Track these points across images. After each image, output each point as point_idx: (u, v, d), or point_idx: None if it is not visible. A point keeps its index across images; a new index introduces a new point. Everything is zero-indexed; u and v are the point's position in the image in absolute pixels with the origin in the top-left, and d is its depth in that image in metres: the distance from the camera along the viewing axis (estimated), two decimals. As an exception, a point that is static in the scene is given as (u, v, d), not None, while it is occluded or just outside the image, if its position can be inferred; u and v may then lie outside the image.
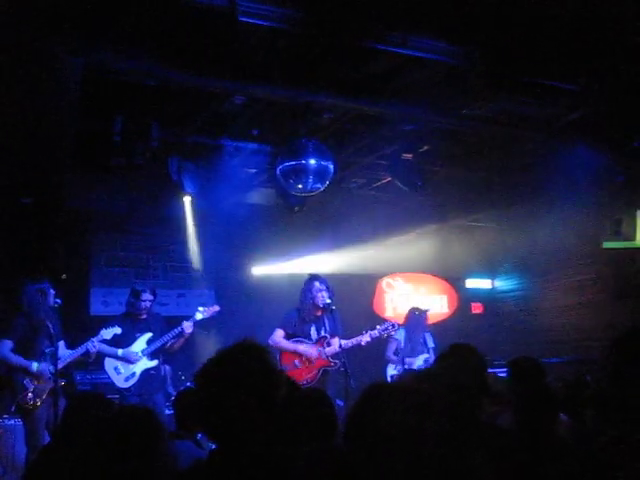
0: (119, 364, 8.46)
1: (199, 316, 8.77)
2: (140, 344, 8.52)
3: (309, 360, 8.48)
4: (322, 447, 4.06)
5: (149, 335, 8.57)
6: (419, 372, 8.67)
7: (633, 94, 7.56)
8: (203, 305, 9.17)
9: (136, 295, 8.60)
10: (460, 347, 3.97)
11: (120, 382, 8.43)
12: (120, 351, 8.43)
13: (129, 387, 8.40)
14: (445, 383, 3.69)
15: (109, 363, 8.50)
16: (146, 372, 8.50)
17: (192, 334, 8.71)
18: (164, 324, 8.79)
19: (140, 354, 8.47)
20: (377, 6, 6.14)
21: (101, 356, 8.50)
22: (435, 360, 3.99)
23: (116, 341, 8.44)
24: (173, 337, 8.54)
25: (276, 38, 6.38)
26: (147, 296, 8.60)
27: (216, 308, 9.01)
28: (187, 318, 8.77)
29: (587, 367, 9.21)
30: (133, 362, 8.44)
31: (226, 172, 9.10)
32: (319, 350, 8.52)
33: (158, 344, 8.51)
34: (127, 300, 8.72)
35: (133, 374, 8.43)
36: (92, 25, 5.90)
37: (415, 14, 6.24)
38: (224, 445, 2.63)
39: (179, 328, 8.53)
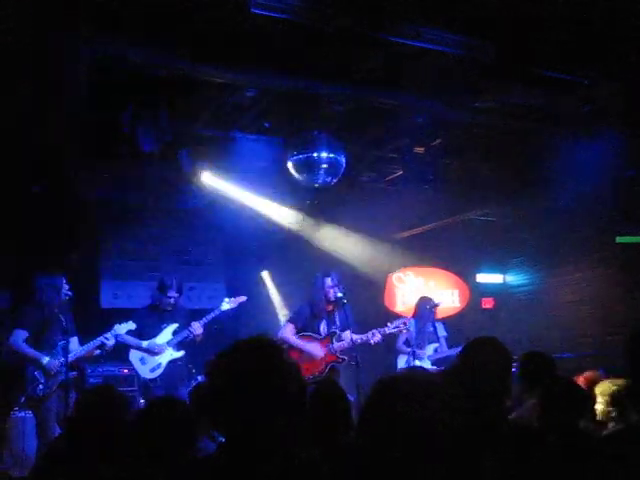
0: (145, 355, 8.44)
1: (225, 306, 8.74)
2: (166, 335, 8.50)
3: (313, 359, 8.40)
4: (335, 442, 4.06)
5: (175, 326, 8.54)
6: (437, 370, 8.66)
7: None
8: (213, 298, 9.15)
9: (163, 290, 8.57)
10: (484, 343, 3.83)
11: (146, 373, 8.41)
12: (145, 343, 8.41)
13: (155, 378, 8.36)
14: (465, 381, 3.65)
15: (134, 354, 8.47)
16: (172, 363, 8.46)
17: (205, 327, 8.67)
18: (189, 316, 8.76)
19: (165, 345, 8.46)
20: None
21: (122, 348, 8.49)
22: (457, 355, 3.88)
23: (141, 332, 8.44)
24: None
25: (288, 30, 6.36)
26: (172, 293, 8.57)
27: (243, 298, 8.97)
28: (197, 311, 8.76)
29: (600, 362, 9.18)
30: (158, 353, 8.43)
31: (238, 164, 9.07)
32: (327, 347, 8.47)
33: (184, 334, 8.49)
34: (153, 292, 8.70)
35: (159, 365, 8.40)
36: (103, 15, 5.90)
37: (428, 6, 6.22)
38: (233, 439, 2.61)
39: (206, 318, 8.54)
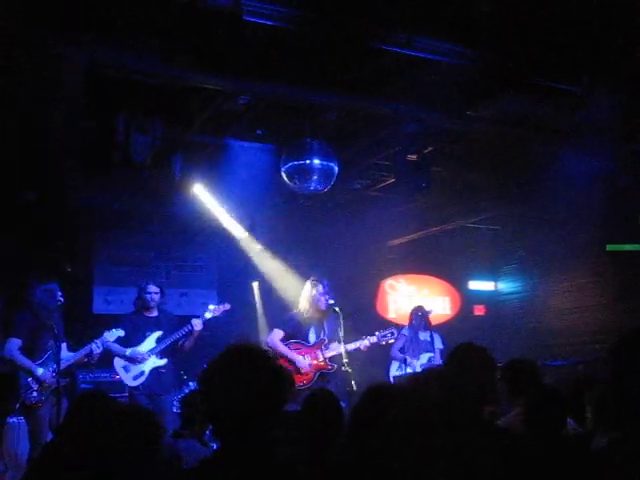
0: (127, 363, 8.44)
1: (209, 315, 8.71)
2: (149, 343, 8.48)
3: (298, 370, 8.33)
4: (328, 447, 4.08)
5: (159, 333, 8.52)
6: (426, 373, 8.68)
7: (636, 95, 7.56)
8: (205, 304, 9.14)
9: (142, 290, 8.58)
10: (469, 348, 3.91)
11: (129, 380, 8.42)
12: (128, 350, 8.40)
13: (137, 386, 8.37)
14: (450, 384, 3.70)
15: (118, 362, 8.47)
16: (155, 371, 8.45)
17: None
18: (176, 322, 8.74)
19: (148, 353, 8.43)
20: (382, 7, 6.15)
21: (111, 355, 8.49)
22: (444, 359, 3.97)
23: (126, 339, 8.41)
24: (183, 335, 8.49)
25: (280, 37, 6.38)
26: (153, 288, 8.58)
27: (227, 307, 8.95)
28: (189, 317, 8.75)
29: (590, 369, 9.21)
30: (141, 361, 8.42)
31: (230, 172, 9.08)
32: (317, 354, 8.45)
33: (167, 342, 8.45)
34: (136, 298, 8.69)
35: (142, 372, 8.40)
36: (95, 23, 5.91)
37: (420, 15, 6.25)
38: (230, 443, 2.63)
39: (188, 326, 8.47)
